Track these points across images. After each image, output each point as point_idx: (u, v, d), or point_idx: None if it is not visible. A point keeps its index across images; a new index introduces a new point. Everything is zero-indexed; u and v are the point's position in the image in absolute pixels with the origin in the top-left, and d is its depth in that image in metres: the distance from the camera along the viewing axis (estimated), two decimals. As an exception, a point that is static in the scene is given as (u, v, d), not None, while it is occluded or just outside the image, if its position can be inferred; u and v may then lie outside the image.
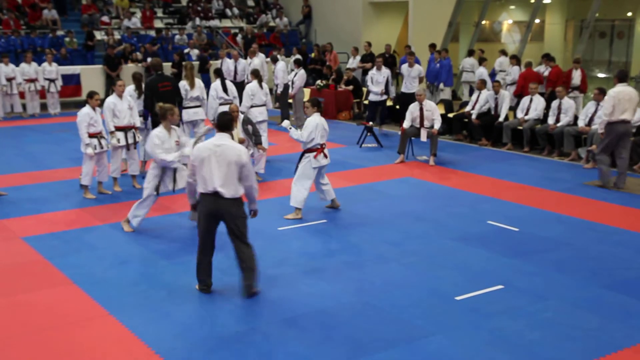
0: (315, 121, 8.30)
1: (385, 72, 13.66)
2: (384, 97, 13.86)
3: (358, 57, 18.03)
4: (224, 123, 5.97)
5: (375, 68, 13.77)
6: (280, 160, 11.49)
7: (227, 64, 16.02)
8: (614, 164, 9.87)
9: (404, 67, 14.24)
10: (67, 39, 19.22)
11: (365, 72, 17.09)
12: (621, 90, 9.46)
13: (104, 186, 9.54)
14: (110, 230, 7.99)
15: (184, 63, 11.32)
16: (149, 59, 18.28)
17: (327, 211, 8.64)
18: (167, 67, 17.43)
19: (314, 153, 8.28)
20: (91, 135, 9.07)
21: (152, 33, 20.80)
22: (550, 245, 7.37)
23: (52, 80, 16.72)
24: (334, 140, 10.57)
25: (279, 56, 17.21)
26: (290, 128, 8.49)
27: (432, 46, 17.04)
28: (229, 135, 5.96)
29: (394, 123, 15.19)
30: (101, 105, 9.23)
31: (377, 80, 13.72)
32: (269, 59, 17.42)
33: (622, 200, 9.09)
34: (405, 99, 13.52)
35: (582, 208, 8.73)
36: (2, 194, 9.36)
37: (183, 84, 10.72)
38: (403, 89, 14.04)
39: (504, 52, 16.76)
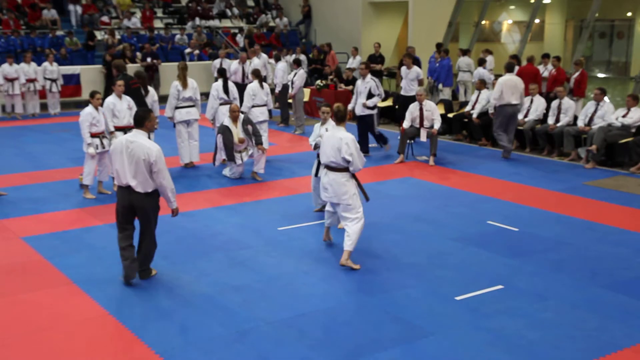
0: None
1: (369, 82, 11.65)
2: (369, 111, 11.70)
3: (358, 57, 18.02)
4: (138, 119, 6.18)
5: (361, 77, 11.85)
6: (281, 160, 11.49)
7: (235, 67, 15.59)
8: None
9: (403, 69, 13.41)
10: (67, 39, 19.23)
11: (372, 73, 17.00)
12: (508, 79, 11.44)
13: (104, 186, 9.54)
14: (110, 230, 7.99)
15: (177, 63, 11.27)
16: (148, 59, 18.32)
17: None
18: (171, 68, 17.34)
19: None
20: (93, 135, 9.07)
21: (155, 33, 20.78)
22: (550, 245, 7.37)
23: (53, 80, 16.72)
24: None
25: (282, 56, 17.19)
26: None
27: (438, 46, 17.07)
28: (145, 133, 6.14)
29: (393, 123, 15.20)
30: (101, 105, 9.24)
31: (359, 91, 11.72)
32: (272, 60, 17.36)
33: (622, 200, 9.09)
34: (404, 102, 13.04)
35: (582, 208, 8.73)
36: (2, 194, 9.36)
37: (175, 84, 10.71)
38: (402, 92, 13.43)
39: (489, 52, 16.81)
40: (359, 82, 11.87)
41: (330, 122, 7.74)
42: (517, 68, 12.64)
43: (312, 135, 8.14)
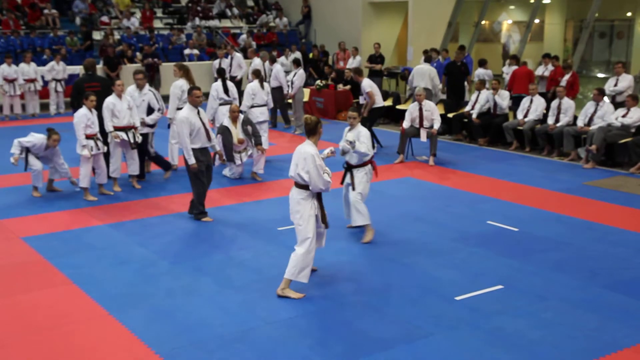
0: (367, 131, 7.48)
1: (147, 94, 10.07)
2: (148, 129, 10.09)
3: (358, 57, 18.02)
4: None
5: (137, 88, 10.15)
6: (280, 160, 11.49)
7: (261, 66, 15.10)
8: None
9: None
10: (67, 39, 19.24)
11: (372, 73, 17.05)
12: (420, 67, 14.24)
13: (105, 187, 9.50)
14: (110, 230, 8.00)
15: (182, 64, 11.16)
16: (149, 59, 18.33)
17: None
18: (172, 68, 17.23)
19: (369, 166, 7.50)
20: (88, 137, 9.02)
21: (155, 33, 20.77)
22: (550, 245, 7.37)
23: (59, 80, 16.75)
24: (334, 140, 10.58)
25: (283, 58, 17.10)
26: (354, 142, 7.34)
27: (461, 48, 16.92)
28: (189, 106, 8.11)
29: (393, 123, 15.21)
30: (95, 107, 9.15)
31: (136, 104, 9.83)
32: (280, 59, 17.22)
33: (622, 200, 9.09)
34: (377, 114, 12.33)
35: (582, 208, 8.73)
36: None
37: (180, 84, 10.53)
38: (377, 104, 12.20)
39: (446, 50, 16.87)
40: (135, 95, 10.01)
41: (358, 127, 7.49)
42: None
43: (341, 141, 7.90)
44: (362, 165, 7.50)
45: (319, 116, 16.06)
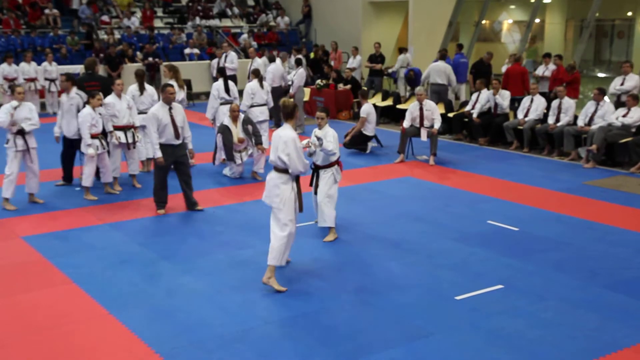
0: (334, 132, 7.51)
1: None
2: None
3: (358, 57, 18.01)
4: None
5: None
6: (280, 160, 11.48)
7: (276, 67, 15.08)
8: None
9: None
10: (68, 38, 19.24)
11: (372, 72, 17.05)
12: (437, 64, 14.72)
13: (110, 186, 9.50)
14: (110, 230, 8.00)
15: (172, 64, 11.14)
16: (149, 58, 18.33)
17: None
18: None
19: (336, 166, 7.54)
20: (92, 136, 9.02)
21: (156, 32, 20.76)
22: (550, 245, 7.37)
23: (52, 80, 16.77)
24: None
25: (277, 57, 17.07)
26: (321, 139, 7.36)
27: (459, 46, 16.90)
28: (161, 103, 8.32)
29: (393, 123, 15.20)
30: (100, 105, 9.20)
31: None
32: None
33: (622, 200, 9.09)
34: (362, 139, 12.23)
35: (582, 208, 8.73)
36: None
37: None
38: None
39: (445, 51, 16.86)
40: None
41: (326, 128, 7.55)
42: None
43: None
44: (329, 166, 7.51)
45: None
